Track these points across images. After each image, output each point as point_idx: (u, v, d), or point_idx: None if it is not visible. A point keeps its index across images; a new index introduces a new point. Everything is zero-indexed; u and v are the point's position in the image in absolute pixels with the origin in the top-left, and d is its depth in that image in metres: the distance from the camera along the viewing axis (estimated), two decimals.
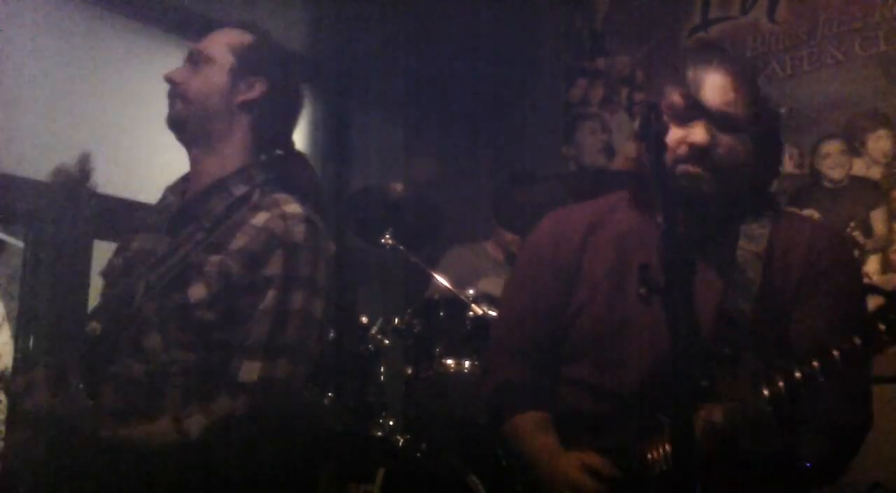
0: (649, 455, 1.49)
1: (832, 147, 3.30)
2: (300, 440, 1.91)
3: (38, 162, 3.15)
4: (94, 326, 1.78)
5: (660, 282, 1.23)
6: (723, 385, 1.45)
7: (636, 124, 1.74)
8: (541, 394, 1.71)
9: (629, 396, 1.59)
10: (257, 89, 1.85)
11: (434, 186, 4.03)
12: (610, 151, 4.12)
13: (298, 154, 1.99)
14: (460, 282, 2.70)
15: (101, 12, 3.47)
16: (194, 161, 1.89)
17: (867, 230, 3.14)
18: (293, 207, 1.77)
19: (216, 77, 1.85)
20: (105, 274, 1.92)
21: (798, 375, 1.36)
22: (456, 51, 4.41)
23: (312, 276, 1.73)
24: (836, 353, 1.33)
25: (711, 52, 1.61)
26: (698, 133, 1.53)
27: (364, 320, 2.66)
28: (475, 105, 4.46)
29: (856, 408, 1.55)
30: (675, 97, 1.56)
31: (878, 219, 3.14)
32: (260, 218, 1.75)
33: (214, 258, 1.71)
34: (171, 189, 1.93)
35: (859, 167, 3.24)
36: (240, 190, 1.81)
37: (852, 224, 3.17)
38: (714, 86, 1.55)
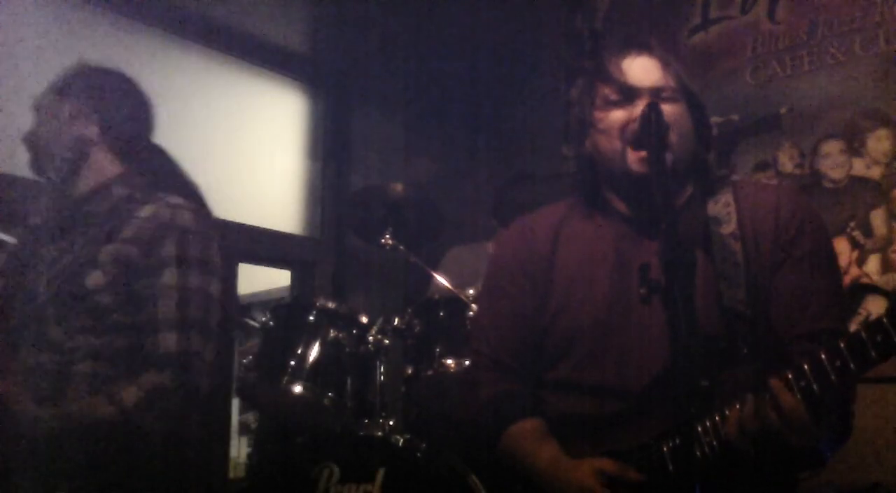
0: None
1: (832, 147, 3.29)
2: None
3: None
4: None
5: (660, 281, 1.23)
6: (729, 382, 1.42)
7: (572, 122, 1.79)
8: (531, 401, 1.70)
9: (621, 392, 1.57)
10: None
11: (434, 186, 4.03)
12: None
13: (160, 151, 2.07)
14: (460, 282, 2.69)
15: (101, 12, 3.47)
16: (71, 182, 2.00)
17: (867, 230, 3.13)
18: (177, 199, 1.91)
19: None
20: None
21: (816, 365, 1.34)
22: (456, 51, 4.41)
23: (206, 257, 1.87)
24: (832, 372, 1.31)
25: (630, 41, 1.72)
26: (641, 108, 1.57)
27: (364, 320, 2.65)
28: (475, 105, 4.46)
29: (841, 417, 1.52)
30: (607, 89, 1.65)
31: (878, 219, 3.13)
32: (146, 210, 1.88)
33: (108, 247, 1.83)
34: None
35: (859, 167, 3.23)
36: (121, 192, 1.94)
37: (852, 224, 3.17)
38: (642, 68, 1.66)
